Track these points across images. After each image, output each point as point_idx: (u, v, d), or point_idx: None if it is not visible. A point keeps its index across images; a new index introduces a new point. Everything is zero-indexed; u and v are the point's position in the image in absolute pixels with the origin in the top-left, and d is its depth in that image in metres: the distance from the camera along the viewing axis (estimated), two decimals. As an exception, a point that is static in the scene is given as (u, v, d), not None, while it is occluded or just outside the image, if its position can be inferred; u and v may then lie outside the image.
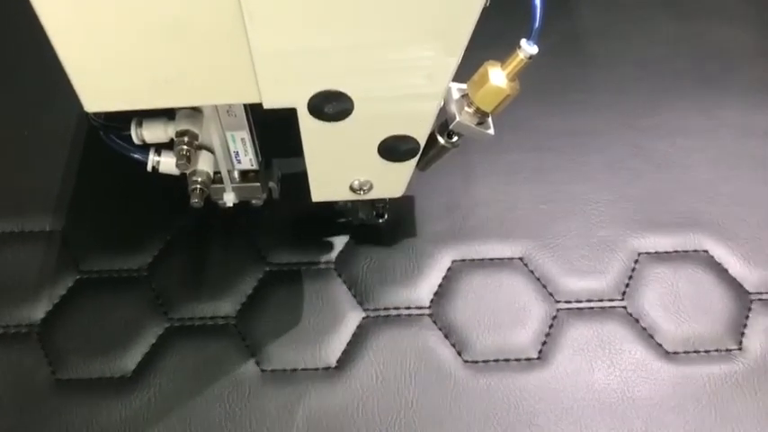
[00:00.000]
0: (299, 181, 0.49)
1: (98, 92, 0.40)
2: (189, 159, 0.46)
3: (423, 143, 0.46)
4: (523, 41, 0.42)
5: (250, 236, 0.57)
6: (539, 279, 0.53)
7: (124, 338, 0.51)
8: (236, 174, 0.52)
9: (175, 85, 0.40)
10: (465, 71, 0.42)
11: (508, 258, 0.55)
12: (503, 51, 0.42)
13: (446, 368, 0.51)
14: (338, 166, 0.48)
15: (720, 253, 0.55)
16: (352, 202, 0.55)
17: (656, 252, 0.55)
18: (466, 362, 0.50)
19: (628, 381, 0.49)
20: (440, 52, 0.38)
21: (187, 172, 0.48)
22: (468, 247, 0.55)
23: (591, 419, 0.47)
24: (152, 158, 0.48)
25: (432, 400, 0.49)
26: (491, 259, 0.55)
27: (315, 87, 0.40)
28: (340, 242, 0.57)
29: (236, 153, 0.50)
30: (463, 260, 0.55)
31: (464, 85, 0.46)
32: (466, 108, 0.46)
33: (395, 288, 0.54)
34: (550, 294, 0.53)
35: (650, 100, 0.64)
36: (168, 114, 0.48)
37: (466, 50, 0.38)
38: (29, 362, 0.51)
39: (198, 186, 0.48)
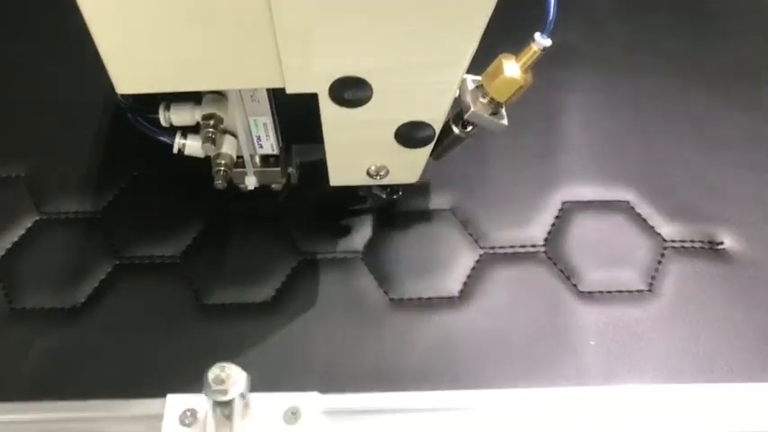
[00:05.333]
0: (318, 167, 0.52)
1: (129, 75, 0.41)
2: (214, 142, 0.48)
3: (438, 129, 0.46)
4: (537, 34, 0.43)
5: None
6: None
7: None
8: (257, 158, 0.54)
9: (203, 70, 0.41)
10: (480, 65, 0.45)
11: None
12: (518, 46, 0.45)
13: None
14: (356, 151, 0.49)
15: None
16: None
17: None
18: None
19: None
20: (458, 39, 0.38)
21: (211, 155, 0.51)
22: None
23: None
24: (178, 141, 0.51)
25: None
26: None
27: (336, 73, 0.40)
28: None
29: (259, 138, 0.52)
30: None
31: (479, 77, 0.47)
32: (480, 99, 0.47)
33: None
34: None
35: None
36: (195, 99, 0.50)
37: (481, 44, 0.39)
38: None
39: (222, 169, 0.51)
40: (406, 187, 0.59)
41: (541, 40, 0.43)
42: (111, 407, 0.51)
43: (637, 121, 0.67)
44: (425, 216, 0.61)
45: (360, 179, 0.52)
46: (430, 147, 0.48)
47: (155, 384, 0.51)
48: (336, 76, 0.41)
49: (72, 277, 0.59)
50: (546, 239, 0.60)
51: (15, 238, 0.61)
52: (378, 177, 0.51)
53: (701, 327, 0.56)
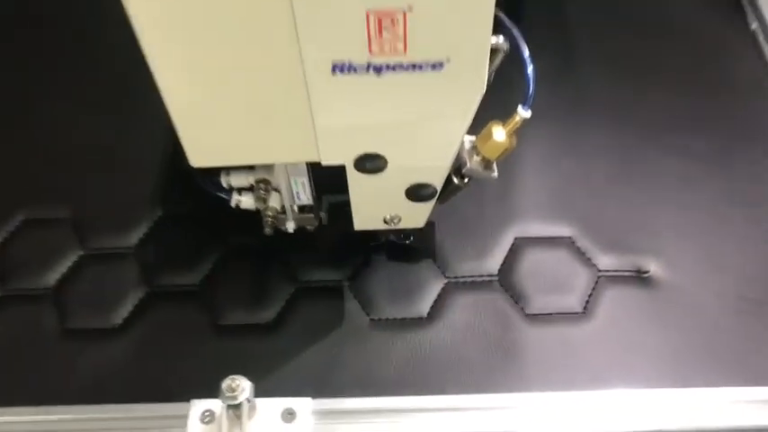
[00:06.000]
0: (342, 211, 0.63)
1: (202, 152, 0.52)
2: (264, 201, 0.61)
3: (439, 189, 0.57)
4: (520, 107, 0.52)
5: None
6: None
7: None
8: (295, 207, 0.65)
9: (262, 149, 0.52)
10: (476, 126, 0.53)
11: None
12: (504, 113, 0.54)
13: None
14: (375, 205, 0.60)
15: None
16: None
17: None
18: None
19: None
20: (448, 134, 0.50)
21: (261, 209, 0.63)
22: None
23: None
24: (235, 198, 0.63)
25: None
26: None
27: (359, 151, 0.51)
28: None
29: (297, 193, 0.63)
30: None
31: (474, 138, 0.55)
32: (475, 156, 0.56)
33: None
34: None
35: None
36: (249, 166, 0.60)
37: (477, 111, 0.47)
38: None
39: (270, 219, 0.63)
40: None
41: (523, 112, 0.52)
42: (147, 409, 0.62)
43: (579, 168, 0.78)
44: (401, 250, 0.73)
45: (378, 225, 0.63)
46: (434, 200, 0.59)
47: (181, 391, 0.61)
48: (359, 153, 0.52)
49: (111, 302, 0.70)
50: (499, 270, 0.72)
51: (64, 270, 0.73)
52: (392, 224, 0.62)
53: (626, 343, 0.67)
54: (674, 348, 0.67)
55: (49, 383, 0.66)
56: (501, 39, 0.49)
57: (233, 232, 0.73)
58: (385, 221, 0.62)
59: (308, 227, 0.68)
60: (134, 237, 0.75)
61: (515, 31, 0.52)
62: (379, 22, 0.41)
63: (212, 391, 0.59)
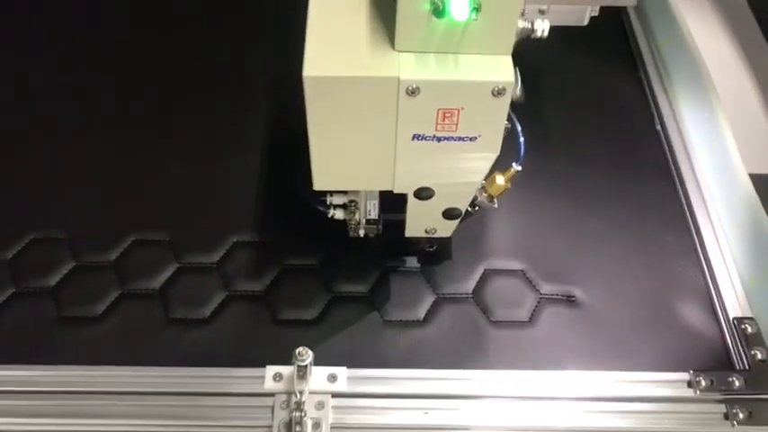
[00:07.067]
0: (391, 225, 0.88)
1: (324, 180, 0.75)
2: (353, 213, 0.86)
3: (464, 212, 0.81)
4: (514, 164, 0.81)
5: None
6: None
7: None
8: (364, 220, 0.88)
9: (362, 180, 0.76)
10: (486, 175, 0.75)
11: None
12: (503, 166, 0.79)
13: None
14: (422, 220, 0.83)
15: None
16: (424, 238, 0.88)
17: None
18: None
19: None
20: (473, 177, 0.75)
21: (348, 219, 0.87)
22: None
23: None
24: (332, 211, 0.87)
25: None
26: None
27: (417, 185, 0.76)
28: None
29: (369, 210, 0.87)
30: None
31: (484, 181, 0.79)
32: (483, 194, 0.82)
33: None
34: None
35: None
36: (344, 191, 0.84)
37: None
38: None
39: (353, 225, 0.89)
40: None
41: (516, 167, 0.81)
42: (235, 371, 0.83)
43: (533, 222, 1.02)
44: (406, 272, 0.98)
45: (421, 233, 0.86)
46: (459, 219, 0.83)
47: (257, 361, 0.83)
48: (417, 186, 0.77)
49: (200, 301, 0.93)
50: (473, 290, 0.96)
51: (165, 277, 0.97)
52: (431, 233, 0.86)
53: (557, 343, 0.94)
54: (589, 347, 0.92)
55: (158, 354, 0.89)
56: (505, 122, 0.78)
57: (288, 255, 0.99)
58: (426, 231, 0.86)
59: (371, 234, 0.92)
60: (216, 255, 0.99)
61: (514, 118, 0.86)
62: (444, 114, 0.70)
63: (274, 363, 0.87)
